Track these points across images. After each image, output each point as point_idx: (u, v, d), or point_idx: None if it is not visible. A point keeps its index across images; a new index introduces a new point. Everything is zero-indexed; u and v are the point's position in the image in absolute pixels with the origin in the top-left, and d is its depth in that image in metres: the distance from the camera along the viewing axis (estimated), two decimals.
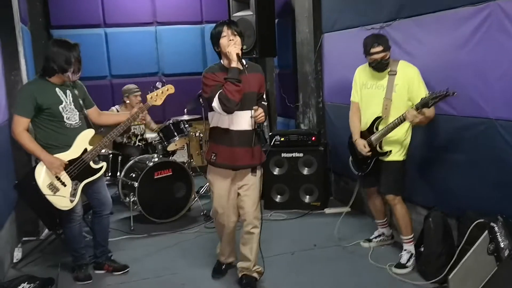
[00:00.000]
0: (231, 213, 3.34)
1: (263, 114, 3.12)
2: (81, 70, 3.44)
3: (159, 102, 3.58)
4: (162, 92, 3.57)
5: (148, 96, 3.55)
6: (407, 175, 3.67)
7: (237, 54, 2.99)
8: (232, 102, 2.96)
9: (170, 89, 3.60)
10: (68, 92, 3.46)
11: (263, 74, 3.31)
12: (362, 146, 3.62)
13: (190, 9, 6.92)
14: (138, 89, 5.41)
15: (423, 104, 3.18)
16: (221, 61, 3.18)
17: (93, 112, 3.69)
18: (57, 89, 3.40)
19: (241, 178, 3.27)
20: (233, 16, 5.51)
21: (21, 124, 3.30)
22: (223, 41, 3.06)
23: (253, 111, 3.11)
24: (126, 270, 3.78)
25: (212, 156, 3.22)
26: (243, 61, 3.07)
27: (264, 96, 3.33)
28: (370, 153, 3.58)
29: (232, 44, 3.02)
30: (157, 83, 3.62)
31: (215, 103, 3.02)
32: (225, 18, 5.63)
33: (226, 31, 3.06)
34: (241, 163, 3.20)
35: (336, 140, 5.17)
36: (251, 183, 3.27)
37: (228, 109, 3.00)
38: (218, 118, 3.18)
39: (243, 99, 3.06)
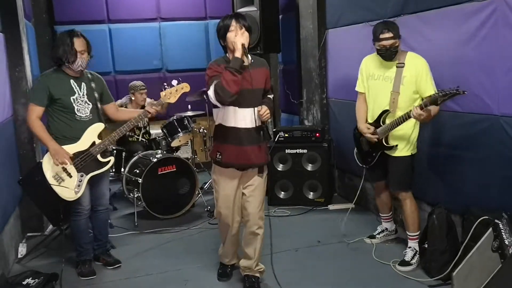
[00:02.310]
0: (236, 213, 3.27)
1: (268, 112, 3.05)
2: (84, 59, 3.42)
3: (173, 100, 3.53)
4: (176, 90, 3.52)
5: (162, 93, 3.51)
6: (415, 170, 3.61)
7: (243, 45, 2.89)
8: (227, 92, 2.85)
9: (185, 87, 3.54)
10: (83, 84, 3.50)
11: (268, 68, 3.23)
12: (365, 129, 3.57)
13: (194, 5, 6.91)
14: (144, 87, 5.42)
15: (432, 101, 3.09)
16: (227, 54, 3.10)
17: (111, 108, 3.72)
18: (71, 80, 3.46)
19: (248, 178, 3.20)
20: (237, 12, 5.50)
21: (35, 112, 3.38)
22: (230, 35, 2.97)
23: (257, 109, 3.05)
24: (116, 266, 3.79)
25: (218, 155, 3.14)
26: (249, 56, 3.01)
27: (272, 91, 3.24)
28: (375, 137, 3.53)
29: (239, 35, 2.93)
30: (173, 80, 3.57)
31: (210, 92, 2.93)
32: (229, 13, 5.65)
33: (234, 25, 2.97)
34: (247, 162, 3.11)
35: (340, 136, 5.16)
36: (257, 183, 3.20)
37: (222, 99, 2.89)
38: (222, 115, 3.10)
39: (249, 96, 3.00)
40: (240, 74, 2.87)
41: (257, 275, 3.38)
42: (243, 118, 3.06)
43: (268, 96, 3.23)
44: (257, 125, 3.10)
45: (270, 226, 3.27)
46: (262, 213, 3.28)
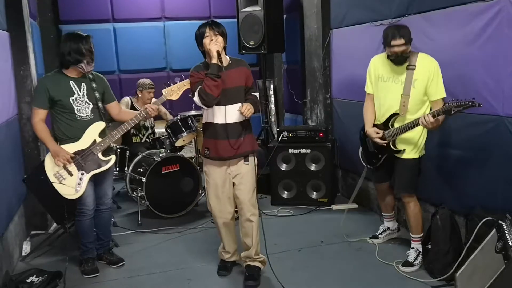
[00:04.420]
0: (226, 203, 3.40)
1: (249, 108, 3.20)
2: (93, 60, 3.48)
3: (175, 97, 3.55)
4: (178, 87, 3.54)
5: (164, 91, 3.53)
6: (421, 173, 3.58)
7: (217, 52, 3.13)
8: (210, 96, 3.13)
9: (187, 84, 3.52)
10: (83, 85, 3.52)
11: (248, 67, 3.42)
12: (374, 133, 3.52)
13: (198, 4, 6.94)
14: (152, 86, 5.44)
15: (445, 111, 3.05)
16: (206, 59, 3.32)
17: (114, 107, 3.74)
18: (71, 81, 3.48)
19: (235, 167, 3.35)
20: (241, 11, 5.51)
21: (37, 114, 3.45)
22: (205, 40, 3.20)
23: (239, 109, 3.23)
24: (120, 264, 3.81)
25: (206, 151, 3.35)
26: (227, 57, 3.28)
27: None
28: (384, 142, 3.48)
29: (213, 43, 3.16)
30: (176, 78, 3.60)
31: (196, 97, 3.21)
32: (233, 13, 5.68)
33: (208, 32, 3.20)
34: (229, 154, 3.28)
35: (344, 136, 5.15)
36: (245, 171, 3.35)
37: (207, 102, 3.17)
38: (207, 113, 3.34)
39: (227, 94, 3.22)
40: (219, 78, 3.14)
41: (258, 265, 3.46)
42: (223, 114, 3.26)
43: (252, 93, 3.40)
44: (236, 121, 3.27)
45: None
46: (254, 200, 3.40)
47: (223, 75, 3.16)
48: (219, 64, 3.14)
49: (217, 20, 3.37)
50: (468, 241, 3.07)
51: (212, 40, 3.18)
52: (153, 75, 6.63)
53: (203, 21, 3.35)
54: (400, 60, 3.33)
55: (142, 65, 6.71)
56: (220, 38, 3.20)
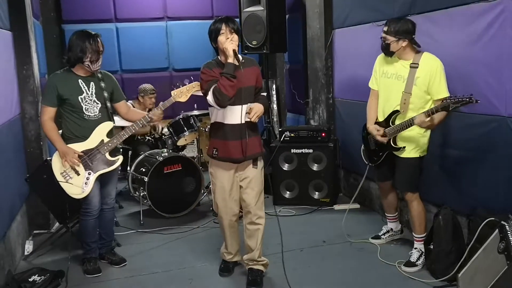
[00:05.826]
0: (233, 205, 3.37)
1: (258, 114, 3.16)
2: (100, 60, 3.46)
3: (183, 99, 3.52)
4: (187, 89, 3.51)
5: (173, 92, 3.51)
6: (422, 172, 3.58)
7: (234, 51, 3.06)
8: (225, 96, 3.03)
9: (197, 86, 3.50)
10: (92, 84, 3.51)
11: (259, 67, 3.36)
12: (375, 130, 3.55)
13: (200, 4, 6.94)
14: (154, 91, 5.51)
15: (443, 107, 3.06)
16: (219, 56, 3.24)
17: (123, 106, 3.73)
18: (80, 80, 3.48)
19: (243, 170, 3.30)
20: (244, 11, 5.50)
21: (46, 113, 3.45)
22: (221, 38, 3.12)
23: (247, 110, 3.17)
24: (122, 265, 3.81)
25: (214, 151, 3.27)
26: (239, 56, 3.14)
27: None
28: (385, 139, 3.50)
29: (229, 41, 3.09)
30: (185, 79, 3.59)
31: (209, 97, 3.11)
32: (236, 13, 5.68)
33: (224, 29, 3.12)
34: (240, 156, 3.21)
35: (346, 136, 5.15)
36: (253, 175, 3.30)
37: (221, 102, 3.07)
38: (217, 113, 3.24)
39: (240, 93, 3.14)
40: (235, 78, 3.04)
41: (261, 268, 3.43)
42: (236, 114, 3.19)
43: (261, 94, 3.36)
44: (245, 120, 3.20)
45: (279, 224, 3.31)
46: (261, 204, 3.37)
47: (241, 74, 3.08)
48: (236, 63, 3.07)
49: None
50: (470, 241, 3.06)
51: (228, 38, 3.10)
52: (155, 75, 6.65)
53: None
54: (384, 47, 3.43)
55: (145, 65, 6.72)
56: (235, 37, 3.13)
